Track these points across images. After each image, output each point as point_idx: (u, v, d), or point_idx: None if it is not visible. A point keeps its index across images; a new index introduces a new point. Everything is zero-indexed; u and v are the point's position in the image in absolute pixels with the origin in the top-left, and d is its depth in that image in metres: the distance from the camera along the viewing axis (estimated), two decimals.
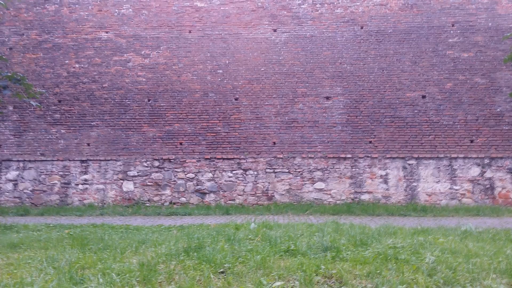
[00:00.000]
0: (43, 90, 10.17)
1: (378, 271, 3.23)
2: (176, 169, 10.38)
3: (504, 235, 5.10)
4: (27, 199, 10.41)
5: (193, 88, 10.66)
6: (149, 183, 10.39)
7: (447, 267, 3.33)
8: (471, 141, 10.06)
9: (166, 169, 10.41)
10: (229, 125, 10.50)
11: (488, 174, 9.95)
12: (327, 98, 10.46)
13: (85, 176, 10.44)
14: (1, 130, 10.67)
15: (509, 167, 9.90)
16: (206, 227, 6.13)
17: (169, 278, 3.19)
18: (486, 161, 9.96)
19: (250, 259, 3.64)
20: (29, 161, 10.51)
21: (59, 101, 10.74)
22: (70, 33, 10.95)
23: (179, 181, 10.36)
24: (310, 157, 10.27)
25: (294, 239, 4.55)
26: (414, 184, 10.03)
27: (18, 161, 10.52)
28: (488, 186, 9.94)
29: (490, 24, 10.40)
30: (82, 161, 10.48)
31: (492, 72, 10.23)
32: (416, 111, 10.25)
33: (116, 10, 10.99)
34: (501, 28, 10.32)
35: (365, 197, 10.07)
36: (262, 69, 10.65)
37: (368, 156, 10.18)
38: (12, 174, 10.52)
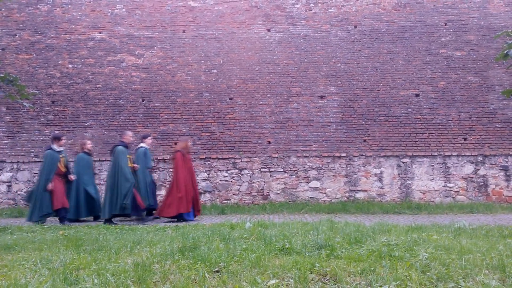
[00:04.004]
0: (36, 91, 10.14)
1: (372, 268, 3.25)
2: (171, 169, 10.35)
3: (497, 231, 5.14)
4: (21, 200, 10.33)
5: (187, 88, 10.65)
6: None
7: (440, 263, 3.36)
8: (465, 139, 10.13)
9: (161, 169, 10.40)
10: (223, 124, 10.49)
11: (482, 171, 10.03)
12: (322, 97, 10.49)
13: None
14: None
15: (502, 165, 9.98)
16: (201, 227, 6.13)
17: (164, 277, 3.20)
18: (480, 158, 10.04)
19: (245, 258, 3.65)
20: (23, 162, 10.45)
21: (53, 102, 10.68)
22: (63, 33, 10.89)
23: None
24: (305, 156, 10.30)
25: (289, 238, 4.57)
26: (409, 182, 10.09)
27: (11, 162, 10.45)
28: (481, 183, 10.01)
29: (482, 23, 10.48)
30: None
31: (484, 71, 10.31)
32: (409, 109, 10.31)
33: (109, 10, 10.94)
34: (493, 26, 10.40)
35: (360, 195, 10.12)
36: (257, 69, 10.65)
37: (362, 155, 10.22)
38: (5, 176, 10.46)
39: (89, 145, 8.81)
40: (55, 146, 8.07)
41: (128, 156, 8.00)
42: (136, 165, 8.15)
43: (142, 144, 8.66)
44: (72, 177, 8.15)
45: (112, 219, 7.80)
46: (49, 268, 3.52)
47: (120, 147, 7.98)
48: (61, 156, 8.06)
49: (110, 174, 7.91)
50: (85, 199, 8.27)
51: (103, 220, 7.80)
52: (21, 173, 10.44)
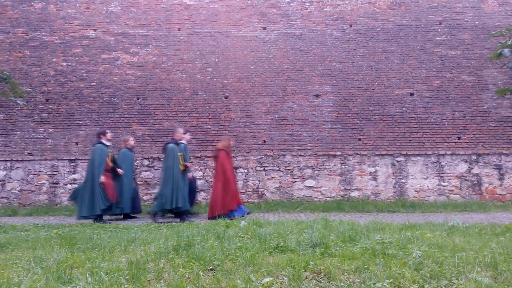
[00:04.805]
0: (30, 89, 10.07)
1: (366, 266, 3.27)
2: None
3: (490, 229, 5.18)
4: (15, 199, 10.28)
5: (182, 87, 10.62)
6: (138, 182, 10.30)
7: (433, 261, 3.38)
8: (459, 138, 10.19)
9: (156, 168, 10.36)
10: (219, 123, 10.48)
11: (475, 170, 10.09)
12: (317, 96, 10.50)
13: (74, 176, 10.34)
14: None
15: (496, 163, 10.05)
16: (196, 225, 6.13)
17: (158, 276, 3.19)
18: (473, 157, 10.10)
19: (240, 256, 3.66)
20: (17, 160, 10.37)
21: (47, 100, 10.61)
22: (58, 31, 10.82)
23: None
24: (300, 155, 10.31)
25: (283, 236, 4.58)
26: (403, 180, 10.14)
27: (5, 161, 10.38)
28: (475, 182, 10.08)
29: (476, 22, 10.54)
30: (70, 161, 10.38)
31: (478, 70, 10.37)
32: (404, 108, 10.35)
33: (104, 8, 10.88)
34: (487, 26, 10.45)
35: (355, 194, 10.15)
36: (252, 67, 10.65)
37: (357, 154, 10.25)
38: None
39: (131, 141, 8.85)
40: (104, 141, 8.06)
41: (179, 153, 7.97)
42: (188, 163, 8.18)
43: (181, 141, 8.56)
44: (120, 171, 8.16)
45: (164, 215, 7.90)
46: (43, 266, 3.51)
47: (171, 145, 7.96)
48: (109, 151, 8.06)
49: (162, 172, 7.99)
50: (131, 195, 8.41)
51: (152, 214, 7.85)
52: (14, 171, 10.37)
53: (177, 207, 7.58)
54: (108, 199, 7.71)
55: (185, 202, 7.73)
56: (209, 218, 7.81)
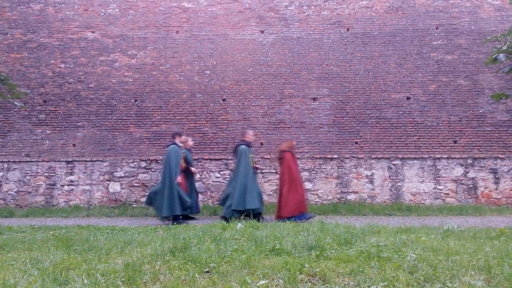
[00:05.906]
0: (28, 90, 10.08)
1: (361, 269, 3.29)
2: (157, 169, 10.32)
3: (485, 233, 5.21)
4: (11, 200, 10.26)
5: (180, 89, 10.65)
6: (136, 184, 10.33)
7: (428, 264, 3.40)
8: (455, 142, 10.24)
9: (153, 170, 10.37)
10: (216, 125, 10.50)
11: (471, 174, 10.14)
12: (314, 99, 10.55)
13: (71, 177, 10.33)
14: None
15: (491, 167, 10.11)
16: (193, 228, 6.14)
17: (154, 278, 3.21)
18: (469, 161, 10.16)
19: (236, 259, 3.67)
20: (14, 162, 10.36)
21: (44, 102, 10.61)
22: (56, 32, 10.83)
23: None
24: (297, 158, 10.32)
25: (279, 239, 4.59)
26: (399, 184, 10.18)
27: (2, 162, 10.36)
28: (471, 186, 10.13)
29: (472, 27, 10.62)
30: (67, 162, 10.37)
31: (475, 74, 10.44)
32: (401, 112, 10.41)
33: (103, 10, 10.91)
34: (483, 31, 10.54)
35: (351, 197, 10.18)
36: (250, 70, 10.68)
37: (354, 157, 10.29)
38: None
39: (190, 142, 8.90)
40: (177, 142, 8.12)
41: (250, 155, 8.00)
42: (258, 165, 8.31)
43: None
44: (194, 170, 8.27)
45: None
46: (39, 268, 3.51)
47: (243, 146, 8.00)
48: (182, 152, 8.12)
49: (234, 173, 8.05)
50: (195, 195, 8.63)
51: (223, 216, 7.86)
52: (11, 172, 10.35)
53: (246, 209, 7.52)
54: (187, 199, 7.73)
55: (257, 203, 7.71)
56: (277, 220, 7.57)
